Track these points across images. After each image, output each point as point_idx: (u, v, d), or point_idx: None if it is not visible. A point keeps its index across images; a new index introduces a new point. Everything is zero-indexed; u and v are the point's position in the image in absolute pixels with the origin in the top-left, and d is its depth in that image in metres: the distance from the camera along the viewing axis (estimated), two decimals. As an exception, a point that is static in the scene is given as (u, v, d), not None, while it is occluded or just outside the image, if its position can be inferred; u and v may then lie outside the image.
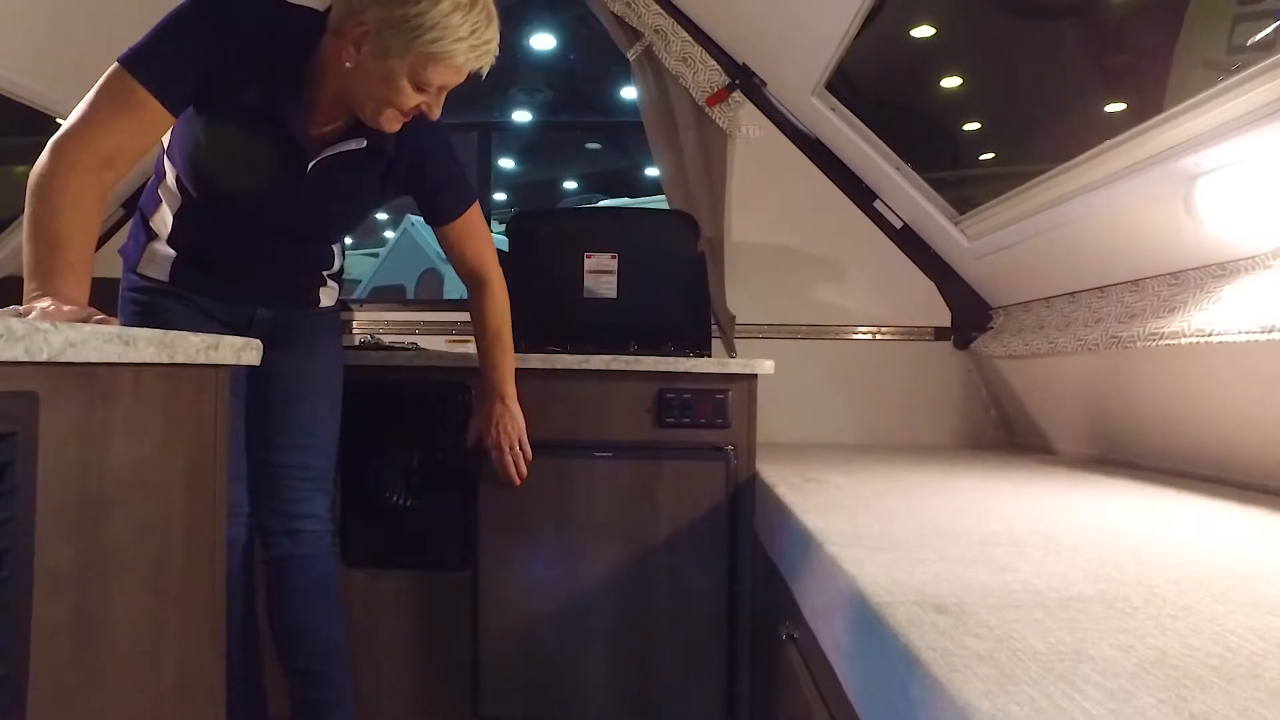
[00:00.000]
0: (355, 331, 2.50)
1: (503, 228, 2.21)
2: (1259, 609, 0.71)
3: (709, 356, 1.94)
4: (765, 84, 2.48)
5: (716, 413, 1.73)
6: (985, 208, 2.10)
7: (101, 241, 2.28)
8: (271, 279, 1.40)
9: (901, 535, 1.03)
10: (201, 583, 0.92)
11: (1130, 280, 1.71)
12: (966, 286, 2.44)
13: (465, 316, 2.55)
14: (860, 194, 2.49)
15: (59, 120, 2.09)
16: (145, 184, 1.39)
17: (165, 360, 0.76)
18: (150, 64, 1.07)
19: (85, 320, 0.83)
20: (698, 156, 2.45)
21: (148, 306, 1.33)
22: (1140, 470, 1.73)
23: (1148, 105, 1.76)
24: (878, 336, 2.51)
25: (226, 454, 0.96)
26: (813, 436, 2.45)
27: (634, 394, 1.73)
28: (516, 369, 1.57)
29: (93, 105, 1.05)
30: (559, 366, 1.69)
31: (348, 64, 1.12)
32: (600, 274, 2.02)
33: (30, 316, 0.81)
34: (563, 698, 1.69)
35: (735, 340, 2.46)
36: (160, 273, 1.33)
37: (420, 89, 1.15)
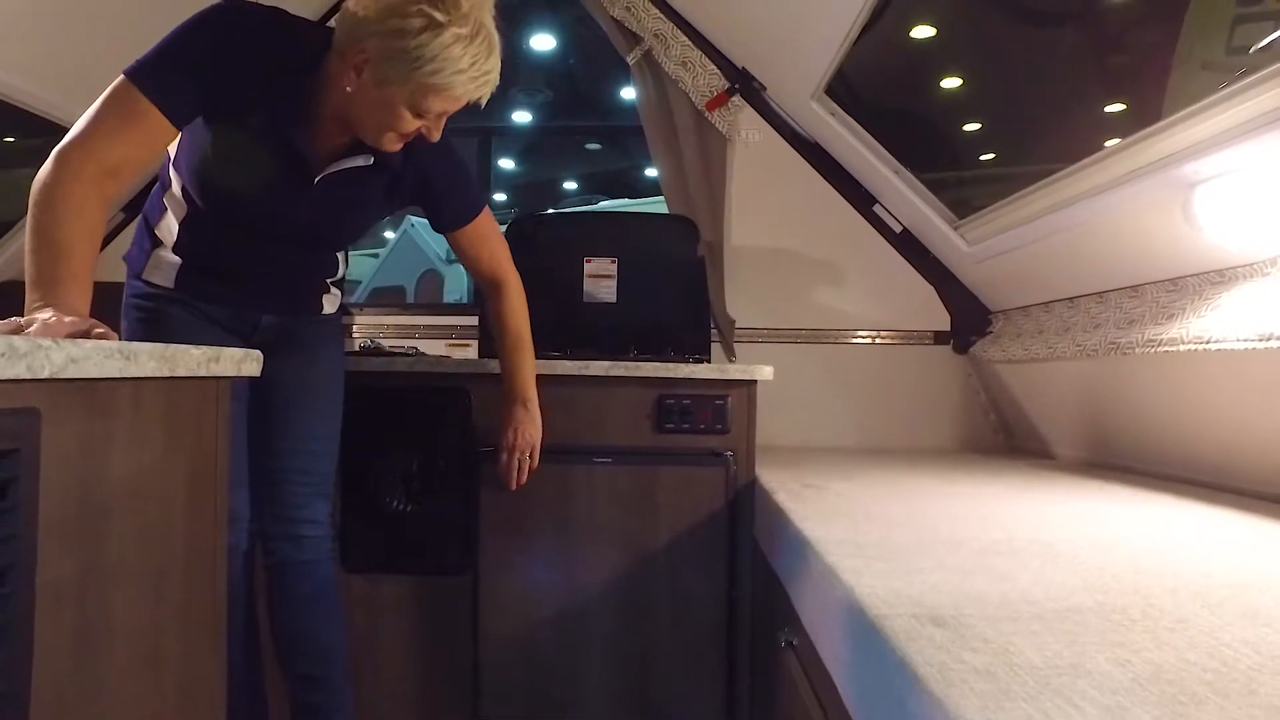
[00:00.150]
0: (355, 336, 2.50)
1: (502, 230, 2.21)
2: (1255, 621, 0.71)
3: (708, 361, 1.94)
4: (765, 88, 2.48)
5: (716, 418, 1.73)
6: (985, 212, 2.10)
7: (102, 246, 2.28)
8: (276, 287, 1.41)
9: (900, 543, 1.04)
10: (202, 591, 0.92)
11: (1129, 286, 1.71)
12: (966, 291, 2.45)
13: (465, 320, 2.57)
14: (860, 198, 2.50)
15: (53, 121, 2.11)
16: (146, 189, 1.40)
17: (166, 374, 0.77)
18: (156, 77, 1.07)
19: (87, 332, 0.83)
20: (697, 161, 2.46)
21: (152, 313, 1.34)
22: (1138, 475, 1.73)
23: (1148, 106, 1.76)
24: (877, 340, 2.52)
25: (227, 463, 0.96)
26: (812, 440, 2.45)
27: (633, 400, 1.73)
28: None
29: (98, 116, 1.05)
30: (559, 372, 1.69)
31: (348, 88, 1.12)
32: (600, 278, 2.02)
33: (32, 329, 0.82)
34: (563, 701, 1.70)
35: (735, 344, 2.46)
36: (165, 280, 1.34)
37: (419, 115, 1.15)
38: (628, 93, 2.82)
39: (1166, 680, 0.58)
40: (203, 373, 0.83)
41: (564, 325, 1.98)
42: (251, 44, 1.13)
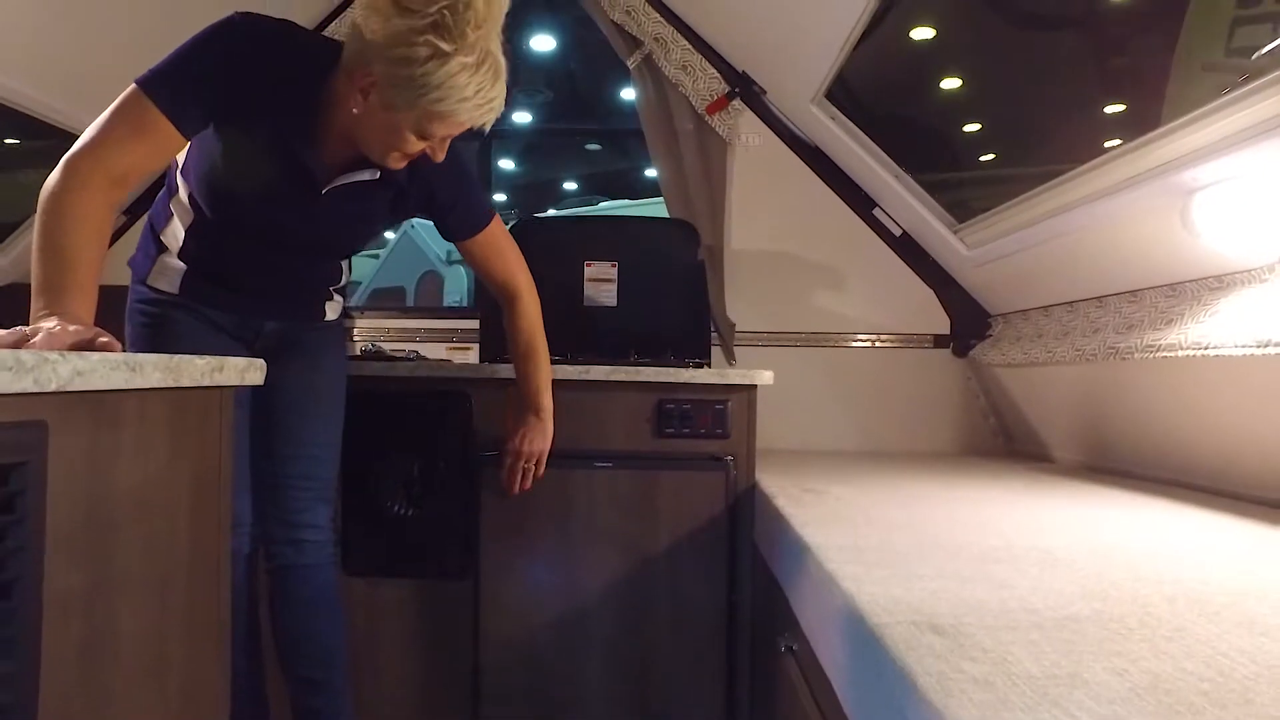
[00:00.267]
0: (356, 339, 2.51)
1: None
2: (1252, 630, 0.72)
3: (708, 364, 1.94)
4: (765, 92, 2.49)
5: (716, 423, 1.74)
6: (984, 216, 2.11)
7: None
8: (281, 294, 1.42)
9: (900, 549, 1.04)
10: (206, 597, 0.93)
11: (1128, 291, 1.72)
12: (965, 294, 2.45)
13: (465, 323, 2.57)
14: (859, 202, 2.50)
15: (55, 124, 2.11)
16: (149, 192, 1.40)
17: (171, 384, 0.77)
18: (167, 88, 1.08)
19: (91, 340, 0.83)
20: (697, 164, 2.46)
21: (157, 318, 1.35)
22: (1137, 479, 1.74)
23: (1147, 108, 1.77)
24: (877, 344, 2.52)
25: (231, 470, 0.97)
26: (812, 443, 2.46)
27: (634, 404, 1.74)
28: None
29: (108, 125, 1.05)
30: (559, 377, 1.69)
31: (355, 110, 1.13)
32: (600, 282, 2.03)
33: (37, 338, 0.82)
34: (563, 704, 1.70)
35: (735, 348, 2.47)
36: (170, 285, 1.35)
37: (424, 138, 1.16)
38: (628, 93, 2.83)
39: (1164, 690, 0.58)
40: (206, 382, 0.83)
41: (564, 329, 1.98)
42: (262, 58, 1.14)
